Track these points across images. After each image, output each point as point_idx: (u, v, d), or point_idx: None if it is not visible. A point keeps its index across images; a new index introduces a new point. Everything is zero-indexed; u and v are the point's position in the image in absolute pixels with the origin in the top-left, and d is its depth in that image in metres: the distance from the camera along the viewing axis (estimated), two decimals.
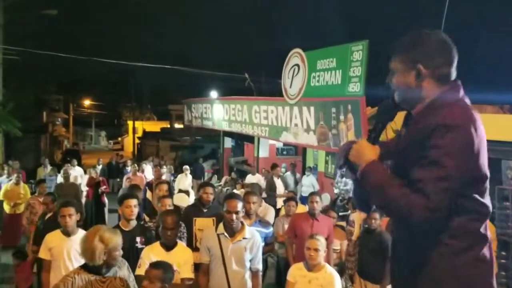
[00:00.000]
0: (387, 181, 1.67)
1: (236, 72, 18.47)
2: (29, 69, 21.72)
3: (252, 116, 12.04)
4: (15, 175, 9.90)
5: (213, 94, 21.35)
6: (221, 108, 14.46)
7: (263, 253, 4.36)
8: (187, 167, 13.25)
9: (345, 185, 10.43)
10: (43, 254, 4.40)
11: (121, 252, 3.09)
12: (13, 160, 13.96)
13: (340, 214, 8.03)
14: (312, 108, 9.20)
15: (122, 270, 3.15)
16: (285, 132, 10.33)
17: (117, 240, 3.05)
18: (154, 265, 3.15)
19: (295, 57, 9.98)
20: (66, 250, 4.33)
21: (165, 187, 6.15)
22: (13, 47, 17.01)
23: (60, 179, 10.90)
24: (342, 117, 8.27)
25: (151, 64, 18.52)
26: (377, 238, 5.09)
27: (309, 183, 10.79)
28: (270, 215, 6.02)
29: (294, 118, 9.87)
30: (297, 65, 9.88)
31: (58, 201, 5.95)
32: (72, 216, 4.39)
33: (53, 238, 4.43)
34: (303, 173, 12.10)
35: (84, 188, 11.67)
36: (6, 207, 9.19)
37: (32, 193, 11.39)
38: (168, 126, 39.16)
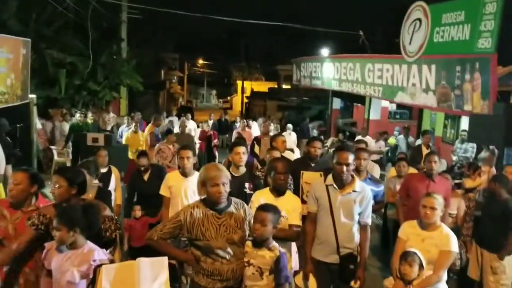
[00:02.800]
0: None
1: (350, 30, 17.83)
2: (150, 28, 23.31)
3: (365, 75, 11.75)
4: (134, 124, 10.84)
5: (324, 52, 20.94)
6: (332, 66, 14.26)
7: (372, 212, 4.28)
8: (290, 125, 13.41)
9: (465, 152, 9.73)
10: (163, 191, 4.84)
11: (224, 189, 3.10)
12: (135, 111, 15.32)
13: (456, 181, 7.55)
14: (433, 67, 8.73)
15: (239, 212, 3.22)
16: (400, 92, 9.97)
17: (214, 173, 3.08)
18: (263, 208, 3.20)
19: (417, 10, 9.38)
20: (183, 189, 4.71)
21: (283, 138, 6.30)
22: (136, 5, 18.31)
23: (176, 130, 11.73)
24: (467, 77, 7.69)
25: (262, 21, 18.65)
26: (502, 205, 4.72)
27: None
28: (375, 173, 5.87)
29: (412, 78, 9.48)
30: (419, 19, 9.30)
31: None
32: (189, 159, 4.75)
33: (173, 177, 4.86)
34: (417, 137, 11.53)
35: (197, 141, 12.46)
36: (129, 153, 10.11)
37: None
38: (276, 86, 39.62)
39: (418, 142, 11.22)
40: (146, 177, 5.71)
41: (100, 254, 2.99)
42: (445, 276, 3.70)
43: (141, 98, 22.87)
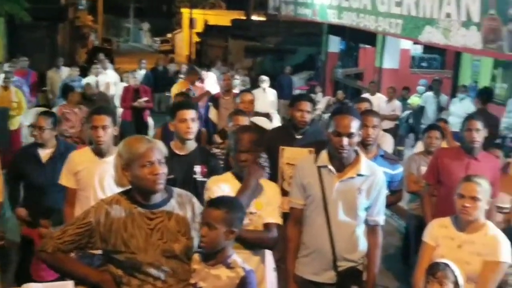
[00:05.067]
0: None
1: None
2: None
3: (377, 1, 11.82)
4: (2, 75, 10.56)
5: None
6: None
7: (386, 206, 4.37)
8: (266, 78, 13.38)
9: None
10: (65, 179, 4.76)
11: (162, 170, 3.08)
12: (19, 56, 14.90)
13: (510, 160, 7.79)
14: None
15: (184, 209, 3.23)
16: (429, 26, 10.11)
17: (142, 147, 3.06)
18: (212, 203, 3.22)
19: None
20: (98, 176, 4.64)
21: (250, 96, 6.29)
22: None
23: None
24: None
25: None
26: None
27: (461, 110, 10.44)
28: (386, 148, 5.98)
29: (446, 5, 9.61)
30: None
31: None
32: (107, 129, 4.64)
33: (81, 158, 4.76)
34: (452, 95, 11.74)
35: (118, 102, 12.26)
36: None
37: (43, 105, 12.17)
38: (243, 17, 39.26)
39: (454, 102, 11.42)
40: (45, 157, 5.45)
41: None
42: None
43: (28, 35, 22.25)
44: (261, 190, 3.92)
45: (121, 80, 13.97)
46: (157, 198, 3.16)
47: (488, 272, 3.73)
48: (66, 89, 9.37)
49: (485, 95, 9.96)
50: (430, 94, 12.68)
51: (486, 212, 3.95)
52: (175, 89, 10.34)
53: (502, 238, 3.81)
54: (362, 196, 3.92)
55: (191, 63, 29.28)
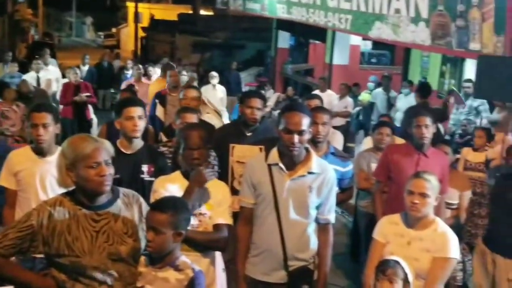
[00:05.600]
0: None
1: None
2: None
3: None
4: None
5: None
6: None
7: (337, 204, 4.41)
8: (215, 74, 13.37)
9: (469, 112, 10.19)
10: (5, 180, 4.65)
11: (109, 171, 3.05)
12: None
13: (458, 156, 7.98)
14: None
15: (131, 210, 3.21)
16: (378, 22, 10.20)
17: (88, 147, 3.01)
18: (157, 207, 3.19)
19: None
20: (39, 176, 4.54)
21: (193, 93, 6.25)
22: None
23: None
24: (476, 0, 7.99)
25: None
26: None
27: (407, 105, 10.57)
28: (336, 144, 6.03)
29: (395, 1, 9.71)
30: None
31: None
32: (48, 127, 4.54)
33: (20, 158, 4.65)
34: (401, 91, 11.95)
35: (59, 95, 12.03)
36: None
37: None
38: (190, 12, 39.06)
39: (400, 98, 11.62)
40: None
41: None
42: None
43: None
44: (208, 195, 3.91)
45: (64, 76, 13.69)
46: (102, 199, 3.13)
47: (437, 268, 3.81)
48: (1, 86, 9.14)
49: (423, 90, 10.19)
50: (380, 90, 12.88)
51: (435, 209, 4.03)
52: (153, 87, 10.29)
53: (451, 234, 3.90)
54: (313, 194, 3.94)
55: (137, 58, 28.99)
